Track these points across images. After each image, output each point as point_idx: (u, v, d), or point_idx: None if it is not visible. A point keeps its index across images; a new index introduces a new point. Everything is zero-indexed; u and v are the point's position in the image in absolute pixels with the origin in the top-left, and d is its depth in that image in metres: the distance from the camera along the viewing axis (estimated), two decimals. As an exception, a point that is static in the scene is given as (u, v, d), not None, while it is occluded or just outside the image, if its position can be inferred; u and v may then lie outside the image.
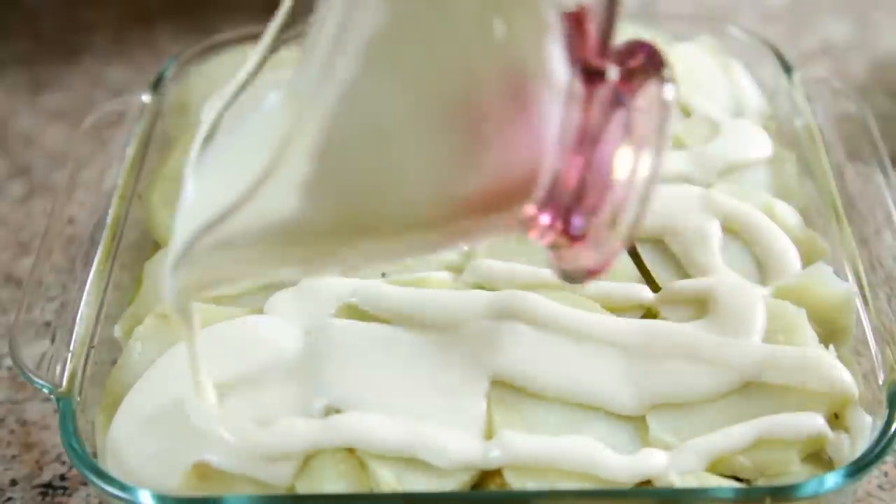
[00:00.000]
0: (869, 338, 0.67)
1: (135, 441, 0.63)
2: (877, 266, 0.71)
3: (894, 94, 1.05)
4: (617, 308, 0.68)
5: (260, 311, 0.68)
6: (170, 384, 0.64)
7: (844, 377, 0.63)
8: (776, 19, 1.16)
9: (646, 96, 0.57)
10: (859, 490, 0.71)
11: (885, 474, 0.73)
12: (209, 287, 0.63)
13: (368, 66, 0.54)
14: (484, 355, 0.64)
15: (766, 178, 0.78)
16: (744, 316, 0.66)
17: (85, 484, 0.73)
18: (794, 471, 0.61)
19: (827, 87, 0.84)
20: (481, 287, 0.69)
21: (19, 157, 1.02)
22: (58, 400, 0.64)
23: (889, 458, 0.73)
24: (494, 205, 0.58)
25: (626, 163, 0.57)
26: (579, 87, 0.57)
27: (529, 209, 0.58)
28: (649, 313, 0.68)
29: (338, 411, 0.62)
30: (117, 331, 0.70)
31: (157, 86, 0.85)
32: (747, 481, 0.61)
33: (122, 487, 0.60)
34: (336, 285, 0.68)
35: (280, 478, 0.60)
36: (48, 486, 0.73)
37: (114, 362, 0.68)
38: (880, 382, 0.65)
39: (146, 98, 0.84)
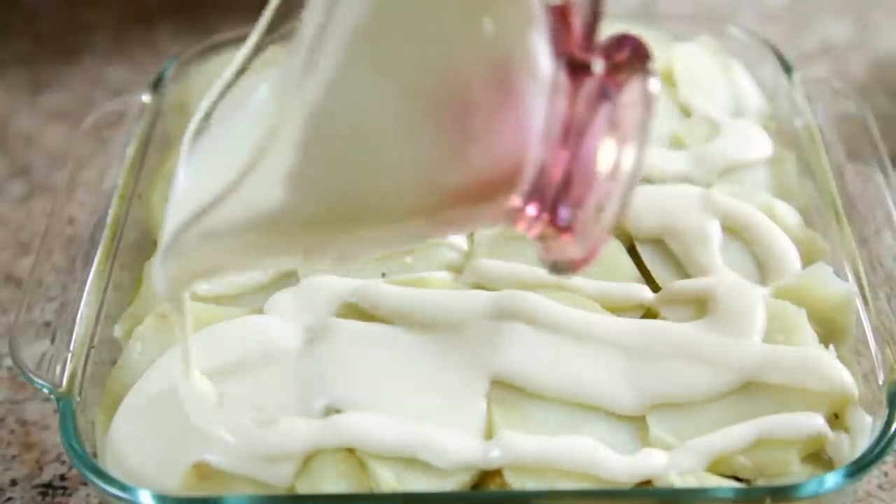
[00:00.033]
0: (869, 338, 0.67)
1: (135, 441, 0.63)
2: (877, 266, 0.71)
3: (894, 94, 1.05)
4: (617, 308, 0.68)
5: (260, 311, 0.68)
6: (170, 384, 0.64)
7: (844, 377, 0.63)
8: (776, 19, 1.16)
9: (631, 90, 0.57)
10: (859, 490, 0.71)
11: (885, 474, 0.73)
12: (201, 277, 0.63)
13: (352, 58, 0.54)
14: (484, 355, 0.64)
15: (766, 178, 0.78)
16: (744, 316, 0.66)
17: (85, 484, 0.73)
18: (794, 471, 0.61)
19: (827, 87, 0.84)
20: (481, 287, 0.69)
21: (19, 157, 1.02)
22: (58, 400, 0.64)
23: (889, 458, 0.73)
24: (479, 196, 0.58)
25: (610, 155, 0.58)
26: (564, 80, 0.57)
27: (515, 200, 0.58)
28: (649, 313, 0.68)
29: (338, 411, 0.62)
30: (117, 331, 0.70)
31: (157, 86, 0.85)
32: (747, 481, 0.61)
33: (122, 487, 0.60)
34: (336, 285, 0.68)
35: (280, 478, 0.60)
36: (48, 486, 0.74)
37: (114, 362, 0.68)
38: (880, 382, 0.65)
39: (146, 98, 0.84)
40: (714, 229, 0.72)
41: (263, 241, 0.58)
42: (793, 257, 0.71)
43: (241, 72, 0.62)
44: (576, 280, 0.69)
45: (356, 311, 0.67)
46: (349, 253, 0.63)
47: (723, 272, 0.69)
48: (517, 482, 0.60)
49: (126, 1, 1.19)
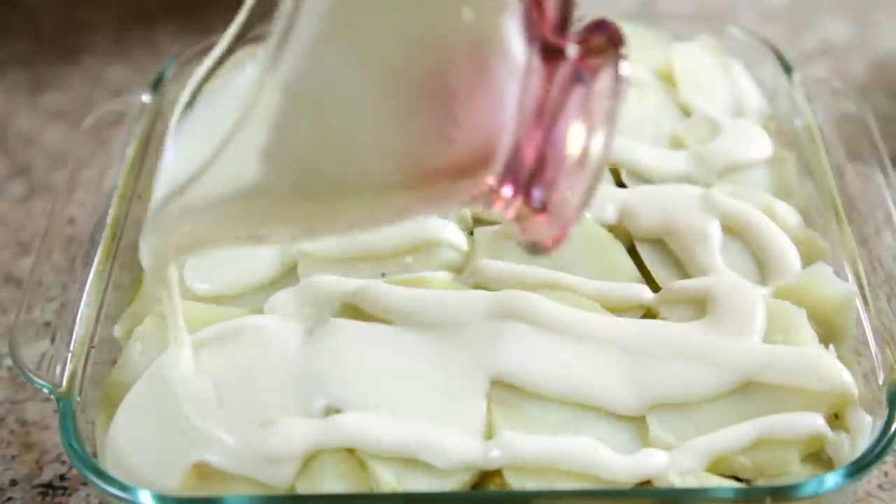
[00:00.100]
0: (869, 338, 0.67)
1: (135, 441, 0.63)
2: (877, 266, 0.71)
3: (894, 94, 1.05)
4: (617, 308, 0.68)
5: (260, 311, 0.68)
6: (170, 384, 0.64)
7: (844, 377, 0.63)
8: (776, 19, 1.16)
9: (604, 74, 0.58)
10: (859, 490, 0.71)
11: (885, 474, 0.73)
12: (185, 252, 0.64)
13: (325, 35, 0.55)
14: (484, 355, 0.64)
15: (766, 178, 0.78)
16: (744, 316, 0.66)
17: (85, 484, 0.73)
18: (794, 471, 0.61)
19: (827, 87, 0.84)
20: (481, 287, 0.69)
21: (19, 157, 1.02)
22: (58, 400, 0.64)
23: (889, 458, 0.73)
24: (453, 174, 0.59)
25: (581, 138, 0.58)
26: (539, 64, 0.58)
27: (490, 180, 0.59)
28: (649, 313, 0.68)
29: (338, 411, 0.62)
30: (117, 331, 0.70)
31: (157, 86, 0.85)
32: (747, 481, 0.61)
33: (122, 487, 0.60)
34: (336, 285, 0.68)
35: (280, 478, 0.60)
36: (48, 486, 0.74)
37: (114, 362, 0.68)
38: (880, 382, 0.65)
39: (146, 98, 0.84)
40: (714, 229, 0.72)
41: (243, 218, 0.59)
42: (793, 257, 0.71)
43: (229, 52, 0.62)
44: (576, 280, 0.69)
45: (356, 311, 0.67)
46: (329, 230, 0.63)
47: (723, 272, 0.69)
48: (517, 482, 0.60)
49: (126, 1, 1.19)
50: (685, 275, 0.70)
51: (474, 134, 0.58)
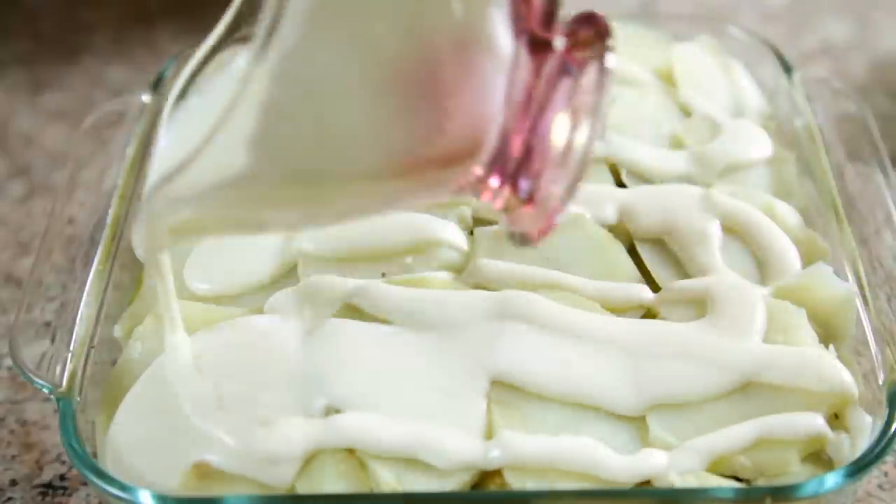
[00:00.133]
0: (869, 338, 0.67)
1: (135, 441, 0.63)
2: (877, 266, 0.71)
3: (894, 94, 1.05)
4: (617, 308, 0.68)
5: (260, 311, 0.68)
6: (170, 384, 0.64)
7: (844, 377, 0.63)
8: (776, 19, 1.16)
9: (591, 67, 0.59)
10: (859, 490, 0.71)
11: (885, 474, 0.73)
12: (181, 238, 0.64)
13: (310, 27, 0.56)
14: (484, 355, 0.64)
15: (766, 178, 0.78)
16: (744, 316, 0.66)
17: (85, 484, 0.73)
18: (794, 471, 0.61)
19: (827, 87, 0.84)
20: (481, 287, 0.69)
21: (19, 157, 1.02)
22: (58, 400, 0.64)
23: (889, 458, 0.73)
24: (439, 163, 0.59)
25: (568, 129, 0.59)
26: (526, 57, 0.58)
27: (477, 170, 0.60)
28: (649, 313, 0.68)
29: (338, 411, 0.62)
30: (117, 331, 0.70)
31: (157, 86, 0.85)
32: (747, 481, 0.61)
33: (122, 487, 0.60)
34: (336, 285, 0.68)
35: (280, 478, 0.60)
36: (48, 486, 0.74)
37: (114, 362, 0.68)
38: (880, 382, 0.65)
39: (146, 98, 0.84)
40: (714, 229, 0.72)
41: (233, 204, 0.60)
42: (793, 257, 0.71)
43: (222, 43, 0.63)
44: (576, 280, 0.69)
45: (356, 311, 0.67)
46: (323, 218, 0.64)
47: (723, 272, 0.69)
48: (517, 482, 0.60)
49: (126, 1, 1.19)
50: (685, 275, 0.70)
51: (461, 124, 0.58)
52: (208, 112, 0.58)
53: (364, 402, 0.62)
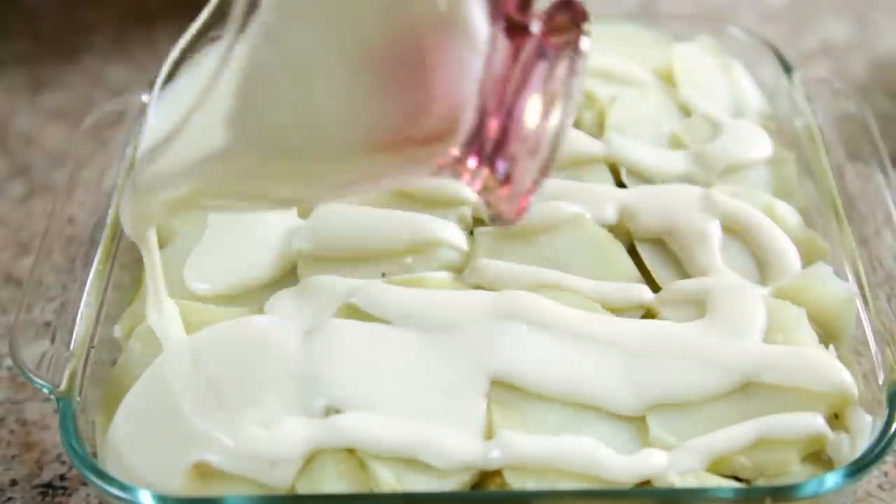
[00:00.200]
0: (869, 338, 0.67)
1: (135, 441, 0.63)
2: (877, 266, 0.71)
3: (894, 94, 1.05)
4: (617, 308, 0.68)
5: (260, 311, 0.68)
6: (169, 383, 0.64)
7: (844, 377, 0.63)
8: (776, 19, 1.16)
9: (567, 51, 0.60)
10: (859, 490, 0.71)
11: (885, 474, 0.73)
12: (164, 216, 0.65)
13: (287, 7, 0.57)
14: (484, 355, 0.64)
15: (766, 178, 0.78)
16: (743, 316, 0.66)
17: (85, 484, 0.73)
18: (794, 471, 0.61)
19: (827, 87, 0.84)
20: (481, 287, 0.69)
21: (19, 157, 1.02)
22: (58, 400, 0.64)
23: (889, 458, 0.73)
24: (415, 142, 0.60)
25: (543, 112, 0.60)
26: (503, 41, 0.59)
27: (454, 151, 0.61)
28: (649, 313, 0.68)
29: (338, 411, 0.62)
30: (117, 331, 0.70)
31: (157, 86, 0.85)
32: (747, 481, 0.61)
33: (122, 487, 0.60)
34: (336, 285, 0.68)
35: (280, 479, 0.60)
36: (48, 486, 0.74)
37: (114, 362, 0.68)
38: (880, 382, 0.65)
39: (146, 98, 0.84)
40: (714, 229, 0.72)
41: (215, 181, 0.61)
42: (793, 257, 0.71)
43: (210, 24, 0.63)
44: (576, 280, 0.69)
45: (356, 311, 0.67)
46: (306, 196, 0.66)
47: (723, 272, 0.69)
48: (517, 482, 0.60)
49: (126, 1, 1.19)
50: (685, 275, 0.70)
51: (437, 104, 0.59)
52: (192, 91, 0.59)
53: (364, 402, 0.62)
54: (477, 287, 0.69)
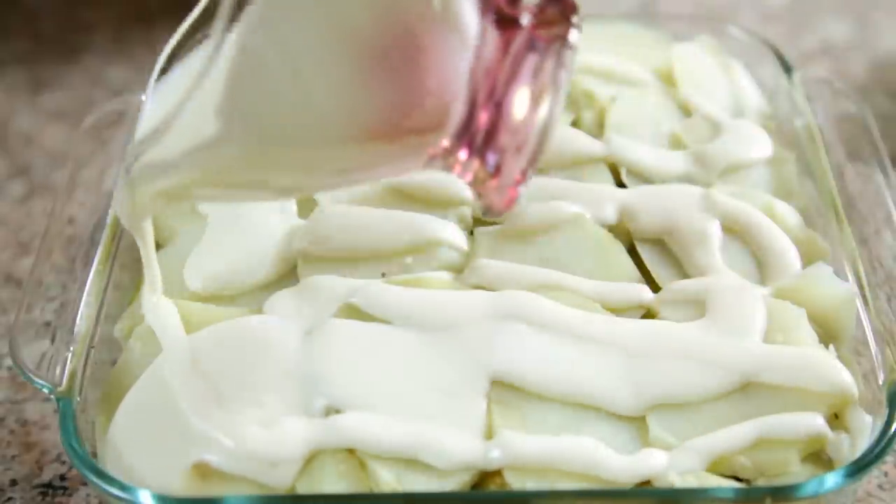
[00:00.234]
0: (869, 338, 0.67)
1: (135, 441, 0.63)
2: (877, 266, 0.71)
3: (894, 94, 1.05)
4: (617, 308, 0.68)
5: (260, 311, 0.68)
6: (169, 383, 0.64)
7: (844, 377, 0.63)
8: (776, 19, 1.16)
9: (556, 43, 0.61)
10: (859, 490, 0.71)
11: (885, 474, 0.73)
12: (159, 206, 0.66)
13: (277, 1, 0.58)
14: (484, 355, 0.64)
15: (766, 178, 0.78)
16: (743, 316, 0.66)
17: (85, 484, 0.73)
18: (794, 471, 0.61)
19: (827, 87, 0.84)
20: (481, 287, 0.69)
21: (19, 157, 1.02)
22: (58, 400, 0.64)
23: (889, 458, 0.73)
24: (405, 132, 0.61)
25: (532, 104, 0.61)
26: (494, 33, 0.60)
27: (444, 142, 0.62)
28: (649, 313, 0.68)
29: (338, 411, 0.62)
30: (117, 331, 0.70)
31: (157, 86, 0.85)
32: (747, 481, 0.61)
33: (122, 487, 0.60)
34: (336, 285, 0.68)
35: (280, 480, 0.60)
36: (48, 486, 0.74)
37: (114, 362, 0.68)
38: (880, 382, 0.65)
39: (146, 98, 0.84)
40: (714, 229, 0.72)
41: (207, 170, 0.62)
42: (793, 257, 0.71)
43: (205, 16, 0.64)
44: (576, 280, 0.69)
45: (356, 311, 0.67)
46: (302, 187, 0.67)
47: (723, 272, 0.69)
48: (517, 482, 0.60)
49: (126, 1, 1.19)
50: (685, 275, 0.70)
51: (426, 96, 0.60)
52: (184, 82, 0.60)
53: (364, 403, 0.62)
54: (477, 287, 0.69)
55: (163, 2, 1.19)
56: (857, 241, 0.72)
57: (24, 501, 0.73)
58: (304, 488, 0.60)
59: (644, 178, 0.77)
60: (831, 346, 0.66)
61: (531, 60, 0.61)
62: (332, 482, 0.60)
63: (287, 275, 0.71)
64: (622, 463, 0.60)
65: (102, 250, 0.72)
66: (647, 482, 0.60)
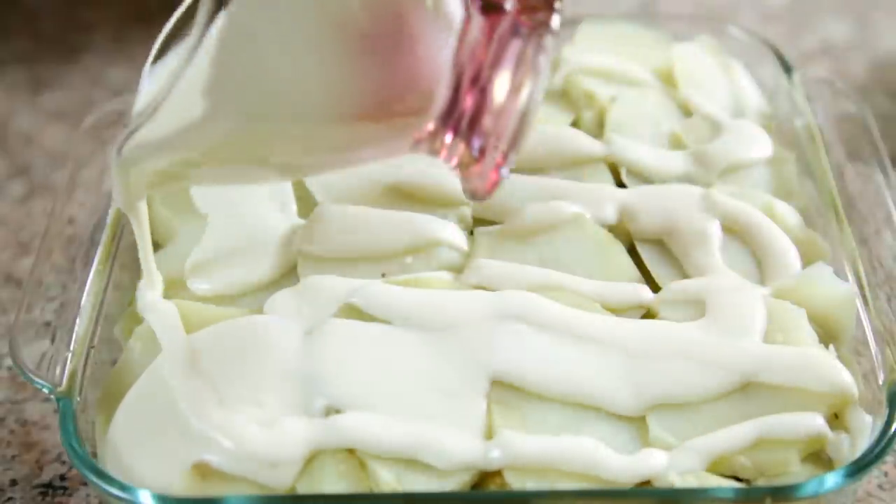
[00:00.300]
0: (869, 338, 0.67)
1: (135, 441, 0.63)
2: (877, 266, 0.71)
3: (894, 94, 1.05)
4: (617, 308, 0.68)
5: (260, 311, 0.68)
6: (169, 383, 0.64)
7: (844, 377, 0.63)
8: (776, 19, 1.16)
9: (539, 28, 0.62)
10: (859, 490, 0.71)
11: (885, 474, 0.73)
12: (154, 187, 0.68)
13: None
14: (484, 355, 0.64)
15: (766, 178, 0.78)
16: (743, 316, 0.66)
17: (85, 484, 0.73)
18: (794, 471, 0.61)
19: (827, 87, 0.84)
20: (481, 287, 0.69)
21: (19, 157, 1.02)
22: (58, 400, 0.64)
23: (889, 458, 0.73)
24: (389, 114, 0.63)
25: (515, 88, 0.62)
26: (479, 18, 0.61)
27: (430, 125, 0.63)
28: (649, 313, 0.68)
29: (338, 411, 0.62)
30: (117, 331, 0.70)
31: (157, 86, 0.85)
32: (747, 481, 0.61)
33: (122, 487, 0.60)
34: (336, 285, 0.68)
35: (280, 481, 0.60)
36: (48, 486, 0.74)
37: (114, 362, 0.68)
38: (880, 382, 0.65)
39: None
40: (714, 229, 0.72)
41: (195, 151, 0.63)
42: (793, 257, 0.71)
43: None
44: (576, 280, 0.69)
45: (356, 311, 0.67)
46: (293, 169, 0.69)
47: (723, 272, 0.69)
48: (517, 482, 0.60)
49: (126, 1, 1.19)
50: (685, 275, 0.70)
51: (410, 77, 0.61)
52: (176, 62, 0.61)
53: (364, 403, 0.62)
54: (477, 287, 0.69)
55: (163, 2, 1.19)
56: (857, 241, 0.72)
57: (24, 501, 0.73)
58: (304, 488, 0.60)
59: (644, 178, 0.77)
60: (831, 346, 0.66)
61: (515, 45, 0.62)
62: (332, 482, 0.60)
63: (287, 275, 0.71)
64: (622, 463, 0.60)
65: (102, 250, 0.72)
66: (647, 482, 0.60)
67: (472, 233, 0.73)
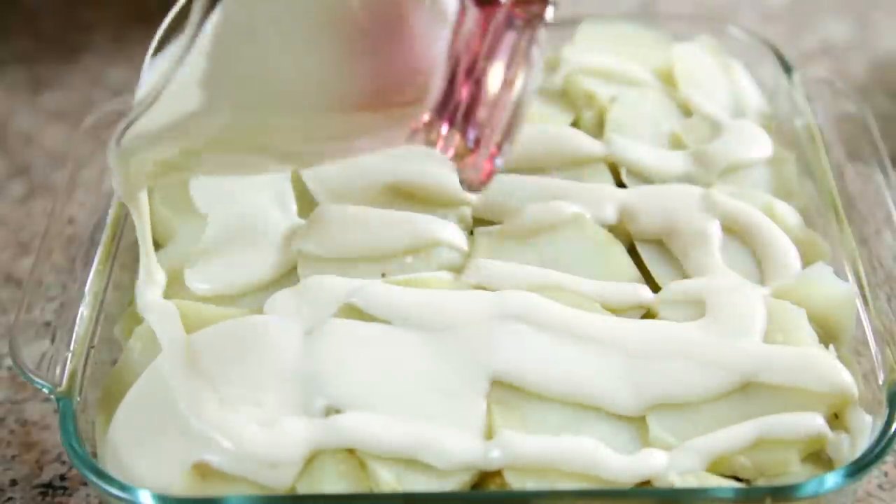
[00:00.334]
0: (869, 338, 0.67)
1: (135, 441, 0.63)
2: (877, 266, 0.71)
3: (894, 94, 1.05)
4: (617, 308, 0.68)
5: (260, 311, 0.68)
6: (169, 383, 0.64)
7: (844, 377, 0.63)
8: (776, 19, 1.16)
9: (533, 20, 0.63)
10: (859, 490, 0.71)
11: (885, 474, 0.73)
12: (153, 178, 0.68)
13: None
14: (484, 355, 0.64)
15: (766, 178, 0.78)
16: (743, 316, 0.66)
17: (85, 484, 0.73)
18: (794, 471, 0.61)
19: (827, 87, 0.84)
20: (481, 287, 0.69)
21: (19, 157, 1.02)
22: (58, 400, 0.64)
23: (889, 458, 0.73)
24: (384, 104, 0.63)
25: (509, 79, 0.63)
26: (473, 9, 0.62)
27: (425, 116, 0.64)
28: (649, 313, 0.68)
29: (338, 411, 0.62)
30: (117, 331, 0.70)
31: (157, 86, 0.85)
32: (747, 481, 0.61)
33: (122, 487, 0.60)
34: (336, 285, 0.68)
35: (280, 481, 0.60)
36: (48, 486, 0.74)
37: (114, 362, 0.68)
38: (880, 382, 0.65)
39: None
40: (714, 229, 0.72)
41: (194, 140, 0.64)
42: (793, 257, 0.71)
43: None
44: (576, 280, 0.69)
45: (356, 311, 0.67)
46: (291, 159, 0.69)
47: (723, 272, 0.69)
48: (517, 482, 0.60)
49: (126, 1, 1.19)
50: (685, 275, 0.70)
51: (405, 67, 0.62)
52: (174, 52, 0.62)
53: (364, 403, 0.62)
54: (477, 287, 0.69)
55: (163, 2, 1.19)
56: (857, 241, 0.72)
57: (24, 501, 0.73)
58: (304, 488, 0.60)
59: (644, 178, 0.77)
60: (831, 346, 0.66)
61: (510, 37, 0.63)
62: (332, 482, 0.60)
63: (287, 275, 0.71)
64: (622, 463, 0.60)
65: (102, 250, 0.72)
66: (647, 482, 0.60)
67: (472, 233, 0.73)
